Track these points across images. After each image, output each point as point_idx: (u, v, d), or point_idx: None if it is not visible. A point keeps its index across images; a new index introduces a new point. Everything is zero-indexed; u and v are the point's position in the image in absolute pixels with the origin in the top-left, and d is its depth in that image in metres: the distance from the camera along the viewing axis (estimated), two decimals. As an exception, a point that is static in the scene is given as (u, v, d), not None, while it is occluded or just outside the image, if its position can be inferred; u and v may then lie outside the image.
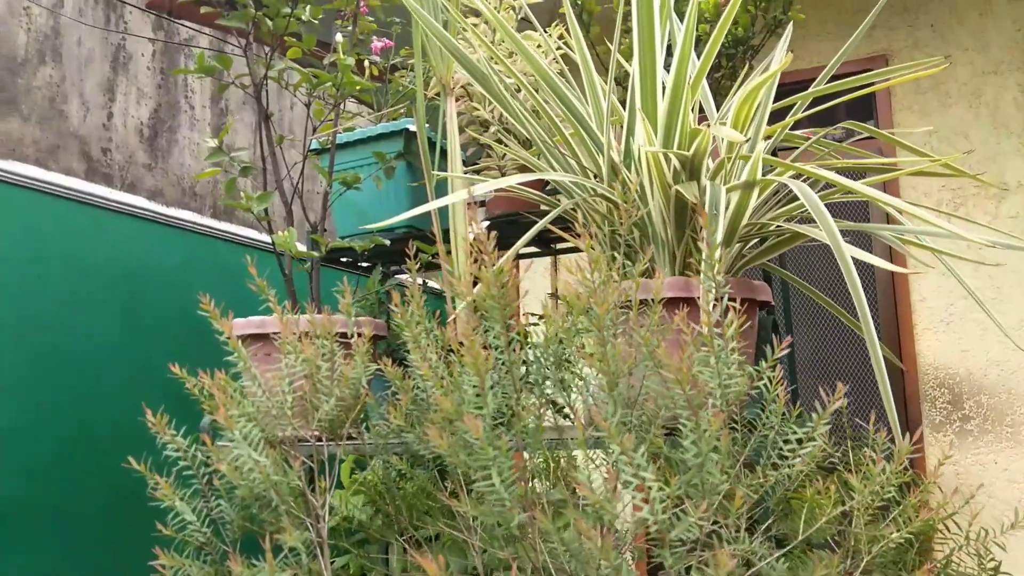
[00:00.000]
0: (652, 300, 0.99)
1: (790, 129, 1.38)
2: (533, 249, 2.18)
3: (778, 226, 1.28)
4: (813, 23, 3.48)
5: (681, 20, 1.40)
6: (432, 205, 1.15)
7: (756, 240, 1.30)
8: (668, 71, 1.26)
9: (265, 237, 4.91)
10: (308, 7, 1.50)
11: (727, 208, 1.13)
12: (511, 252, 1.23)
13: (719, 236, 1.08)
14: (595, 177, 1.48)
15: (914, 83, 3.51)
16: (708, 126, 1.26)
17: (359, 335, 1.02)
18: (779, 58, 1.43)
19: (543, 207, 1.64)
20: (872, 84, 1.39)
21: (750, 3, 1.67)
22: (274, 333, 1.60)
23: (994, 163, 3.35)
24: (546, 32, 1.80)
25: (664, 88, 1.19)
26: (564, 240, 1.83)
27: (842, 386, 0.77)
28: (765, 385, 0.76)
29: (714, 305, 0.95)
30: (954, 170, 1.21)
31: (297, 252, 1.48)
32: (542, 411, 0.83)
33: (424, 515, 1.02)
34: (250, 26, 1.50)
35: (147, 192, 5.52)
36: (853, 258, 1.02)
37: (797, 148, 1.57)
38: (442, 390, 0.79)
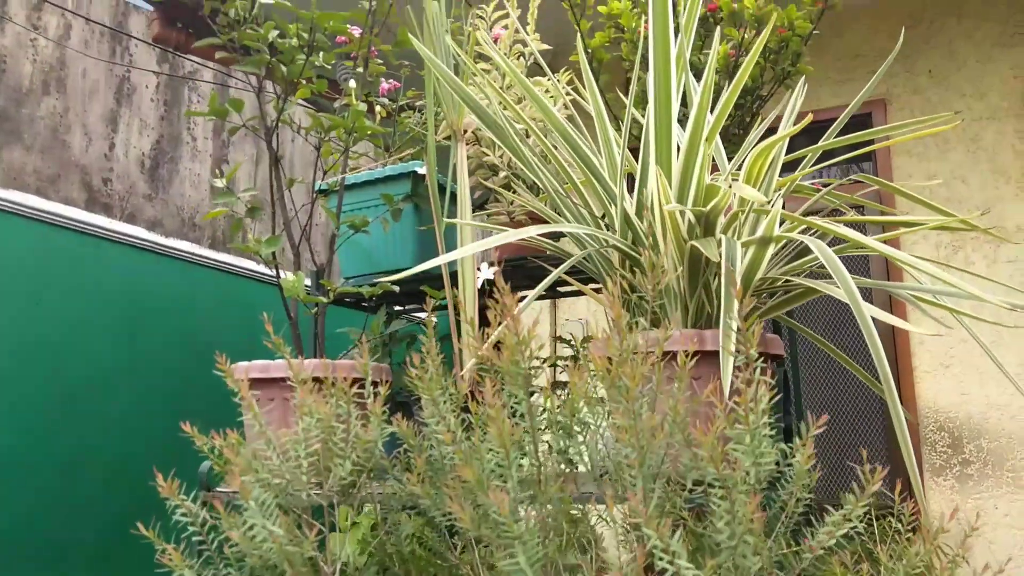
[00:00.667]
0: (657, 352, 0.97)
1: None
2: (532, 292, 2.16)
3: (790, 280, 1.27)
4: (812, 66, 3.53)
5: (693, 71, 1.41)
6: (444, 259, 1.14)
7: (767, 294, 1.29)
8: (681, 124, 1.26)
9: (264, 268, 4.86)
10: (321, 53, 1.50)
11: (742, 262, 1.12)
12: (525, 304, 1.22)
13: (736, 290, 1.06)
14: (606, 226, 1.47)
15: (912, 127, 3.54)
16: (725, 181, 1.26)
17: (376, 393, 0.99)
18: (792, 109, 1.43)
19: (549, 251, 1.64)
20: (874, 141, 1.39)
21: (759, 55, 1.67)
22: (279, 378, 1.57)
23: (992, 208, 3.37)
24: (555, 78, 1.81)
25: (678, 143, 1.18)
26: (567, 283, 1.82)
27: (881, 470, 0.75)
28: (795, 461, 0.74)
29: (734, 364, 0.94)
30: (970, 225, 1.21)
31: (305, 298, 1.47)
32: (563, 479, 0.81)
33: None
34: (263, 69, 1.50)
35: (146, 222, 5.51)
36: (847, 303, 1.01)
37: (803, 192, 1.57)
38: (462, 457, 0.77)
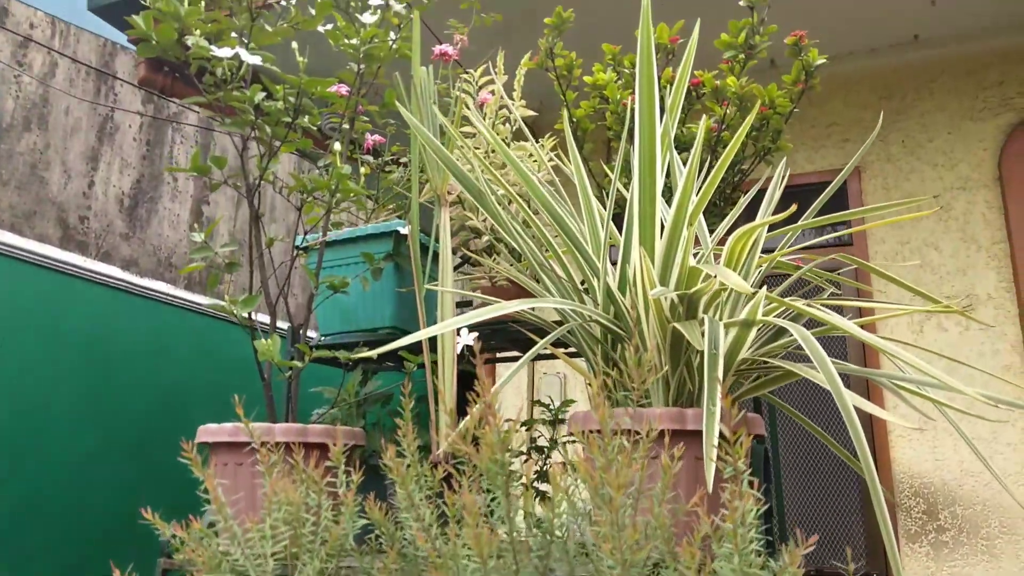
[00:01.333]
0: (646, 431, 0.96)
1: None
2: (510, 353, 2.14)
3: (766, 362, 1.26)
4: (788, 132, 3.61)
5: (676, 144, 1.42)
6: (424, 333, 1.12)
7: (748, 374, 1.28)
8: (664, 197, 1.26)
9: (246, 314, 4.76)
10: (307, 116, 1.49)
11: (724, 343, 1.11)
12: (504, 380, 1.19)
13: (720, 374, 1.05)
14: (585, 290, 1.46)
15: (886, 195, 3.62)
16: (706, 262, 1.26)
17: (348, 472, 0.96)
18: (773, 188, 1.45)
19: (528, 317, 1.63)
20: (851, 223, 1.40)
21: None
22: (248, 444, 1.53)
23: (964, 275, 3.42)
24: (539, 143, 1.82)
25: (662, 220, 1.19)
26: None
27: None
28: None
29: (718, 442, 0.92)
30: (961, 313, 1.22)
31: (280, 362, 1.43)
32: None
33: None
34: (247, 129, 1.49)
35: (122, 261, 5.43)
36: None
37: (783, 268, 1.57)
38: (436, 558, 0.74)
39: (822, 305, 1.22)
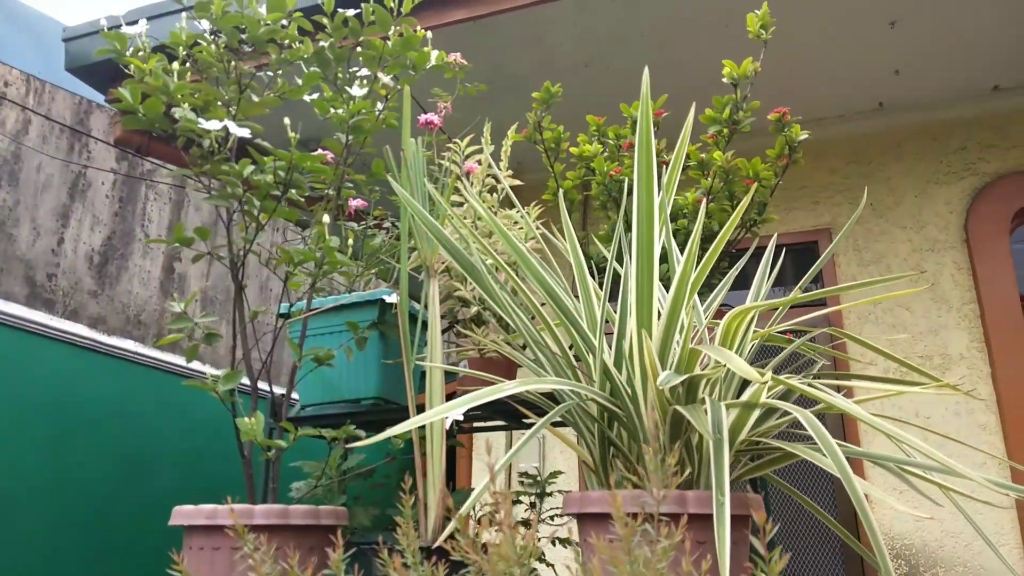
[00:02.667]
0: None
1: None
2: (496, 423, 2.09)
3: (765, 442, 1.24)
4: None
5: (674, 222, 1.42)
6: (414, 422, 1.07)
7: (748, 455, 1.26)
8: (663, 283, 1.25)
9: (211, 370, 4.66)
10: (293, 190, 1.47)
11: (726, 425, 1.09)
12: (507, 457, 1.16)
13: (726, 462, 1.03)
14: (575, 357, 1.44)
15: (857, 256, 3.68)
16: (704, 343, 1.24)
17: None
18: (765, 267, 1.45)
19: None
20: (826, 302, 1.41)
21: (726, 203, 1.72)
22: (228, 526, 1.45)
23: (936, 336, 3.47)
24: (525, 211, 1.81)
25: (659, 300, 1.17)
26: (526, 416, 1.77)
27: None
28: None
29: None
30: (953, 389, 1.21)
31: (263, 442, 1.37)
32: None
33: None
34: (237, 204, 1.46)
35: (89, 319, 5.29)
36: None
37: (774, 340, 1.57)
38: None
39: (821, 383, 1.20)
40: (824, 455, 1.04)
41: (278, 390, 1.96)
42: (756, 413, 1.10)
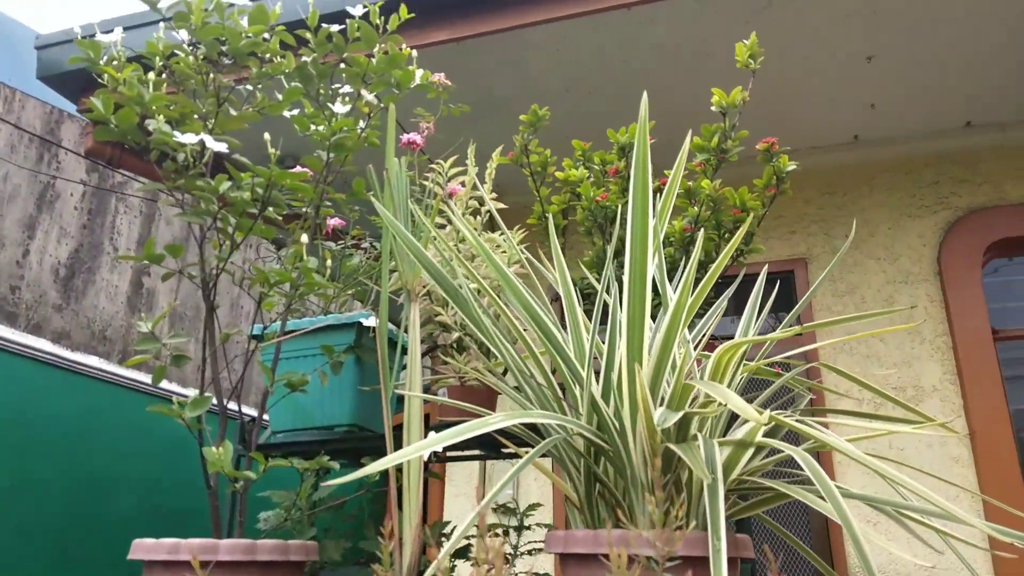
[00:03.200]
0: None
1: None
2: (471, 453, 2.02)
3: (756, 481, 1.19)
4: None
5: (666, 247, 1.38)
6: (393, 459, 1.00)
7: (737, 495, 1.21)
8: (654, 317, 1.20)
9: (178, 389, 4.51)
10: (271, 208, 1.41)
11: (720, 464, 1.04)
12: (494, 492, 1.10)
13: (722, 504, 0.98)
14: (560, 386, 1.38)
15: (832, 286, 3.69)
16: (697, 379, 1.20)
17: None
18: (754, 302, 1.41)
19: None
20: (805, 353, 1.38)
21: (713, 233, 1.69)
22: (188, 563, 1.37)
23: (910, 367, 3.48)
24: (510, 233, 1.76)
25: (650, 332, 1.13)
26: (505, 445, 1.71)
27: None
28: None
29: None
30: (947, 430, 1.18)
31: (231, 472, 1.29)
32: None
33: None
34: (211, 221, 1.39)
35: (53, 334, 5.12)
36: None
37: (762, 374, 1.53)
38: None
39: (812, 421, 1.16)
40: (823, 498, 1.00)
41: (249, 411, 1.87)
42: (750, 452, 1.06)
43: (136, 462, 3.81)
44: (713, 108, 1.69)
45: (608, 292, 1.31)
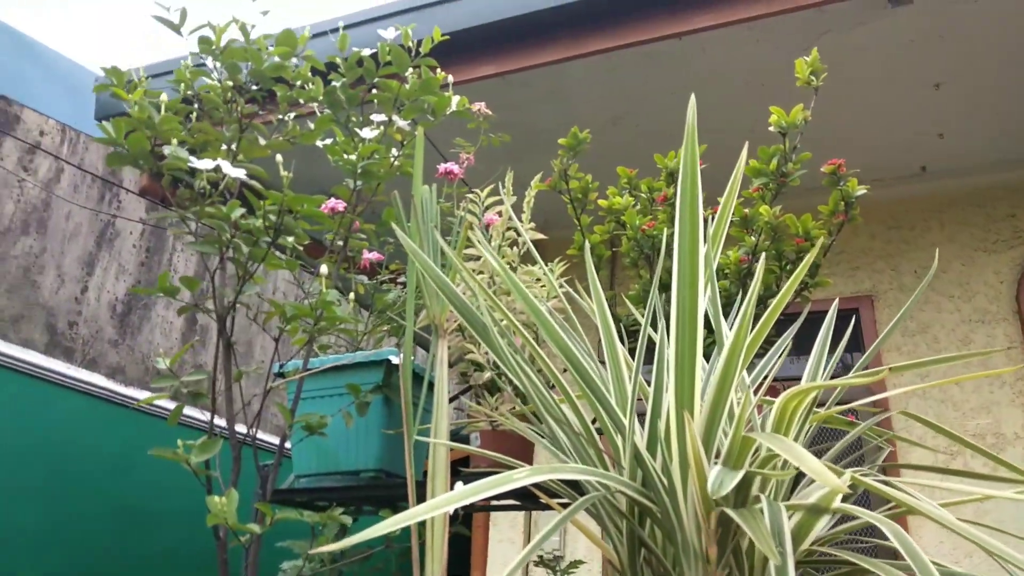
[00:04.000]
0: None
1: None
2: (507, 502, 1.85)
3: (827, 553, 1.00)
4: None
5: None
6: (405, 519, 0.86)
7: (805, 566, 1.02)
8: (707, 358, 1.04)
9: (222, 422, 4.48)
10: (291, 237, 1.30)
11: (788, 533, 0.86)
12: (522, 556, 0.93)
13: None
14: (599, 430, 1.22)
15: (903, 325, 3.42)
16: (754, 431, 1.02)
17: None
18: (823, 345, 1.23)
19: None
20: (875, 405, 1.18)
21: (774, 264, 1.51)
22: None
23: (988, 413, 3.17)
24: (548, 267, 1.62)
25: (703, 378, 0.97)
26: (536, 497, 1.54)
27: None
28: None
29: None
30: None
31: (236, 526, 1.16)
32: None
33: None
34: (225, 249, 1.29)
35: (107, 369, 5.16)
36: None
37: (834, 423, 1.34)
38: None
39: (900, 482, 0.97)
40: (916, 579, 0.80)
41: (269, 445, 1.75)
42: (824, 519, 0.88)
43: (178, 494, 3.75)
44: (772, 128, 1.53)
45: (654, 327, 1.15)
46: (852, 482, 0.90)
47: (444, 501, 0.83)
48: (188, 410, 4.65)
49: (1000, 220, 3.40)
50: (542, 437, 1.21)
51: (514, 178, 1.92)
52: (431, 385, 1.42)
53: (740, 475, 0.78)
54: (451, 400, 1.71)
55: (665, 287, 1.56)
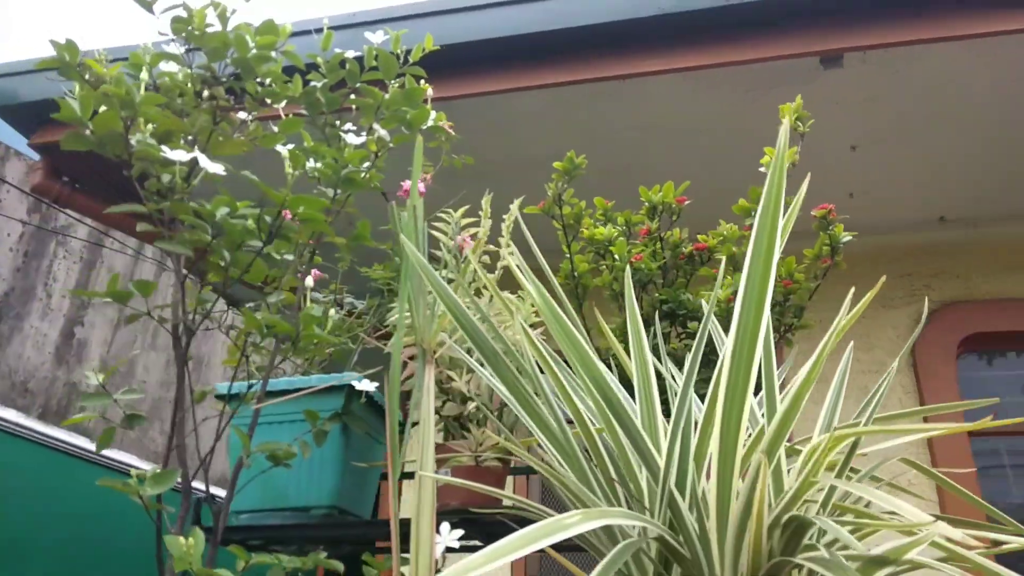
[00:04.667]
0: None
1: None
2: (475, 542, 1.72)
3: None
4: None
5: (668, 316, 1.18)
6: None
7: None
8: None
9: (110, 452, 4.02)
10: (275, 241, 1.15)
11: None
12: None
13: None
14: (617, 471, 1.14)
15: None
16: (795, 469, 0.97)
17: None
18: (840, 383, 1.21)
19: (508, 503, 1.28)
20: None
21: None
22: None
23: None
24: (531, 286, 1.54)
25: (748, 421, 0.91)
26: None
27: None
28: None
29: None
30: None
31: (202, 571, 0.98)
32: None
33: None
34: (180, 259, 1.12)
35: (-34, 384, 4.56)
36: None
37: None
38: None
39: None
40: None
41: (215, 488, 1.54)
42: (886, 570, 0.83)
43: (52, 527, 3.33)
44: (762, 169, 1.53)
45: (641, 362, 1.08)
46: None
47: (504, 549, 0.72)
48: (58, 433, 4.14)
49: (898, 278, 3.64)
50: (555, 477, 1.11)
51: (473, 198, 1.83)
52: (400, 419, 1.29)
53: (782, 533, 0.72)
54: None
55: (647, 323, 1.52)
